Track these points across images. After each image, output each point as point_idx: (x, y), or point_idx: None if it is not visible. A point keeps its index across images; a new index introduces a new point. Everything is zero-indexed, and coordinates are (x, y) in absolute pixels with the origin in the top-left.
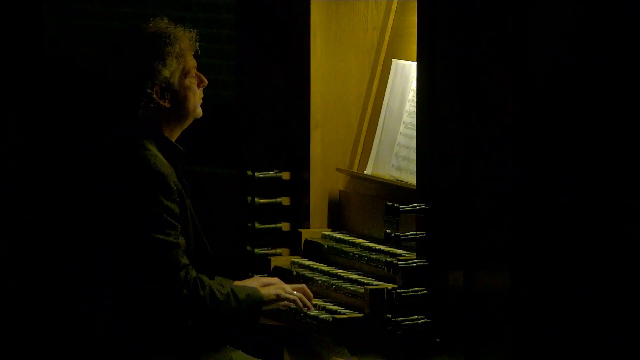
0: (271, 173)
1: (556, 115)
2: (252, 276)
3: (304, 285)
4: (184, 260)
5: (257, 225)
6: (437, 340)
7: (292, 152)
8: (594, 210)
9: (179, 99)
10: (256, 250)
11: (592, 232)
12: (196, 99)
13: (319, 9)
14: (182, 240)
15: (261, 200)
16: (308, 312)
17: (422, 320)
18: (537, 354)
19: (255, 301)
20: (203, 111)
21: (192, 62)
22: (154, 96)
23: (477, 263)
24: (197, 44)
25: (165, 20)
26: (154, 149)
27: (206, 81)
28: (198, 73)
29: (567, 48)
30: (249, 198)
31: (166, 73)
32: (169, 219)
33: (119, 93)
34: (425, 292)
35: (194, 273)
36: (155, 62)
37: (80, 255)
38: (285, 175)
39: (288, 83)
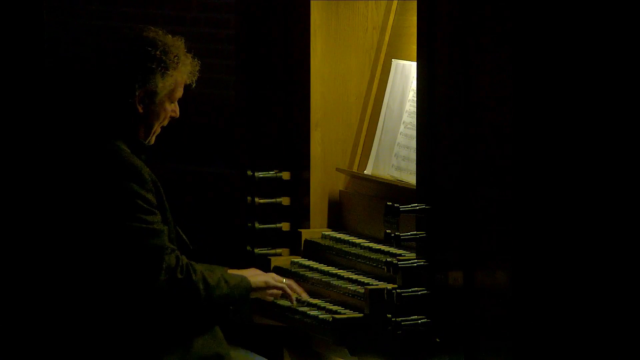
0: (271, 173)
1: (556, 115)
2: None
3: (291, 280)
4: (171, 245)
5: (257, 225)
6: (437, 340)
7: (292, 152)
8: (594, 210)
9: (151, 112)
10: (256, 250)
11: (593, 231)
12: (161, 122)
13: (319, 9)
14: (164, 227)
15: (261, 200)
16: (308, 312)
17: (422, 320)
18: (537, 354)
19: (245, 287)
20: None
21: (180, 92)
22: (134, 97)
23: (477, 263)
24: (195, 78)
25: (183, 42)
26: (122, 144)
27: (178, 114)
28: (177, 105)
29: (568, 47)
30: (249, 198)
31: (159, 84)
32: (148, 207)
33: (106, 82)
34: (425, 292)
35: (185, 259)
36: (158, 69)
37: (66, 254)
38: (285, 175)
39: (288, 83)
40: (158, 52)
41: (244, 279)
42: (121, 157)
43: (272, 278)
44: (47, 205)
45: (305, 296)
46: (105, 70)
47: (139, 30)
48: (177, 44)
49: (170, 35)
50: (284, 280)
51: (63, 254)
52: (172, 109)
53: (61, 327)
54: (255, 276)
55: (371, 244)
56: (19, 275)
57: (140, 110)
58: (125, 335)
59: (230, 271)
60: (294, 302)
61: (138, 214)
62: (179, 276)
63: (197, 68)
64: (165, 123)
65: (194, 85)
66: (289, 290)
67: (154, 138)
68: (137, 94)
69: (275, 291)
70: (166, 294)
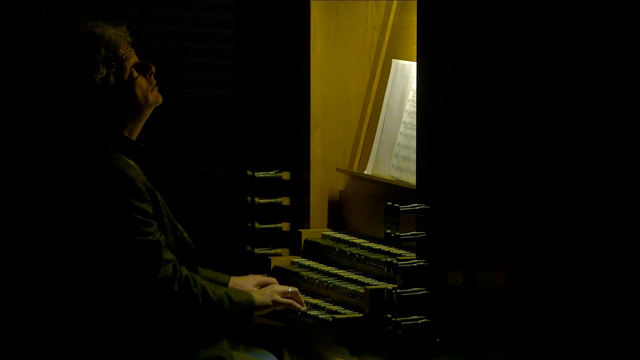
0: (271, 173)
1: (556, 114)
2: (248, 274)
3: (296, 289)
4: (167, 256)
5: (257, 225)
6: (437, 340)
7: (292, 152)
8: (593, 210)
9: (125, 98)
10: (256, 250)
11: (592, 231)
12: (144, 89)
13: (319, 9)
14: (161, 237)
15: (261, 200)
16: (308, 312)
17: (422, 320)
18: (537, 354)
19: (248, 307)
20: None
21: (126, 56)
22: (97, 105)
23: (477, 263)
24: (127, 35)
25: (90, 23)
26: (116, 153)
27: (152, 67)
28: (140, 62)
29: (567, 46)
30: (249, 198)
31: (98, 80)
32: (144, 218)
33: (65, 106)
34: (425, 292)
35: (185, 271)
36: (84, 74)
37: (63, 264)
38: (285, 175)
39: (288, 83)
40: (75, 61)
41: (249, 297)
42: (115, 169)
43: (278, 294)
44: (45, 214)
45: (304, 308)
46: (61, 96)
47: (58, 43)
48: (85, 31)
49: (78, 29)
50: (290, 289)
51: (59, 263)
52: (141, 70)
53: (58, 336)
54: (261, 293)
55: (371, 244)
56: (17, 285)
57: (118, 108)
58: (124, 344)
59: (233, 279)
60: (303, 307)
61: (134, 227)
62: (175, 288)
63: (119, 28)
64: (149, 87)
65: (130, 40)
66: (296, 305)
67: (155, 95)
68: (96, 103)
69: (281, 308)
70: (162, 306)
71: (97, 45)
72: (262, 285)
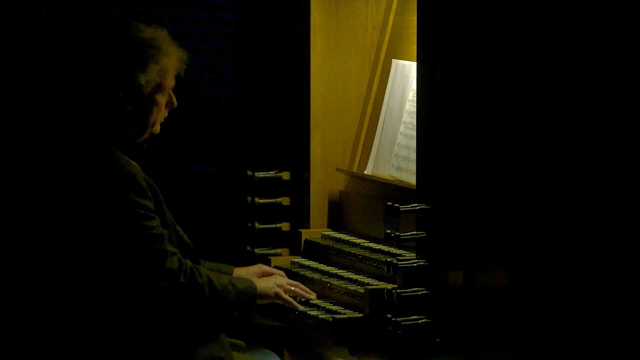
0: (271, 173)
1: (554, 114)
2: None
3: (298, 283)
4: (172, 249)
5: (257, 225)
6: (437, 340)
7: (292, 152)
8: (593, 210)
9: (143, 109)
10: (256, 250)
11: (592, 231)
12: (159, 116)
13: (319, 9)
14: (164, 231)
15: (261, 200)
16: (308, 312)
17: (422, 320)
18: (537, 354)
19: (251, 295)
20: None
21: (170, 82)
22: (117, 98)
23: (477, 263)
24: (184, 66)
25: (165, 32)
26: (117, 150)
27: (176, 104)
28: (172, 94)
29: (565, 47)
30: (249, 198)
31: (142, 80)
32: (147, 213)
33: (85, 87)
34: (425, 292)
35: (189, 263)
36: (135, 67)
37: (67, 261)
38: (285, 175)
39: (288, 83)
40: (129, 51)
41: (252, 284)
42: (118, 167)
43: (281, 288)
44: (48, 211)
45: (313, 297)
46: (82, 76)
47: (113, 28)
48: (156, 36)
49: (149, 28)
50: (292, 288)
51: (64, 261)
52: (168, 100)
53: (64, 334)
54: (264, 281)
55: (371, 244)
56: (19, 283)
57: (130, 109)
58: (129, 341)
59: (237, 270)
60: (299, 308)
61: (137, 222)
62: (182, 280)
63: (185, 55)
64: (165, 115)
65: (182, 74)
66: (295, 304)
67: (158, 127)
68: (119, 95)
69: (282, 299)
70: (169, 299)
71: (162, 56)
72: (265, 276)
